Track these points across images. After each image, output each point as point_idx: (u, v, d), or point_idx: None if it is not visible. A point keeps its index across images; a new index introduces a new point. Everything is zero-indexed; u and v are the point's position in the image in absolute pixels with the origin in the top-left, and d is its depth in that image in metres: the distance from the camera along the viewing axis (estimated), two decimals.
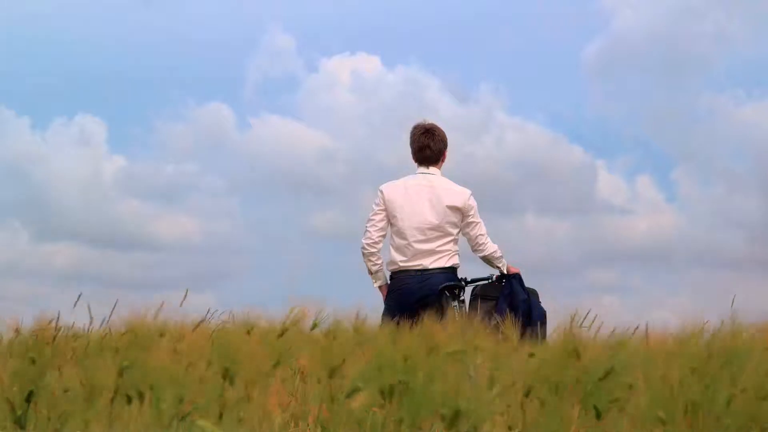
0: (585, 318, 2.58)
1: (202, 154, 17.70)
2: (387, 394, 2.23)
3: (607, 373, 2.03)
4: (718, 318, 2.63)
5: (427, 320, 2.66)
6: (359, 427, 2.21)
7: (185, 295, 4.91)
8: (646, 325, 2.86)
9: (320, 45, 18.57)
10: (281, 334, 2.86)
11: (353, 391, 2.26)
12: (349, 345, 2.96)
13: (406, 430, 2.16)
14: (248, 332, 2.72)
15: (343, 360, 2.78)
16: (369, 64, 16.89)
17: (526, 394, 2.20)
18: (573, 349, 2.13)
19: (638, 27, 17.13)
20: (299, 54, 16.93)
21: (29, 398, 2.29)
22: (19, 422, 2.28)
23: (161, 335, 2.67)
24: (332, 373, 2.71)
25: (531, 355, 2.68)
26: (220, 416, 2.24)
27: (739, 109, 16.31)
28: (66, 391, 2.30)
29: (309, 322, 3.25)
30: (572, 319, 2.37)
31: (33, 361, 2.28)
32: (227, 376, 2.42)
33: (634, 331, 3.12)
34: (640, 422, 2.06)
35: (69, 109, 16.64)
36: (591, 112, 17.09)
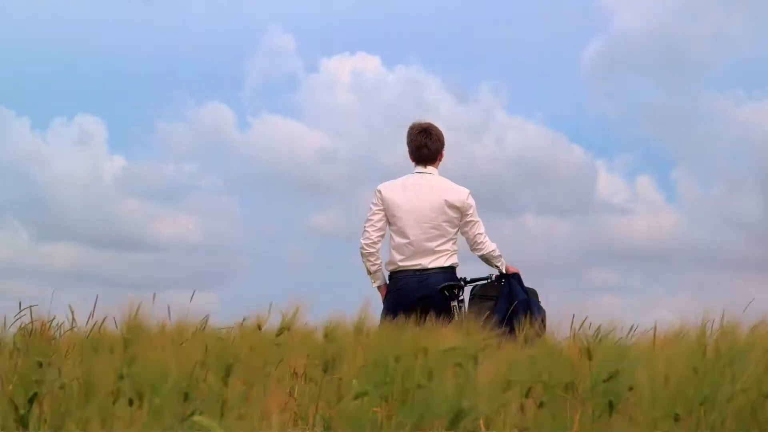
0: (584, 320, 2.59)
1: (202, 154, 17.70)
2: (385, 393, 2.24)
3: (611, 376, 2.04)
4: (718, 318, 2.63)
5: (427, 320, 2.67)
6: (358, 426, 2.22)
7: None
8: (655, 327, 2.87)
9: (320, 45, 18.58)
10: (279, 334, 2.87)
11: (352, 392, 2.27)
12: (345, 345, 2.97)
13: (404, 429, 2.17)
14: (243, 331, 2.73)
15: (341, 360, 2.79)
16: (369, 64, 16.90)
17: (526, 395, 2.21)
18: (582, 350, 2.15)
19: (638, 27, 17.14)
20: (299, 54, 16.94)
21: (32, 398, 2.30)
22: (22, 422, 2.29)
23: (160, 335, 2.68)
24: (329, 373, 2.72)
25: (531, 356, 2.69)
26: (221, 416, 2.25)
27: (739, 109, 16.32)
28: (65, 389, 2.31)
29: (307, 322, 3.26)
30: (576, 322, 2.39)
31: (36, 361, 2.29)
32: (226, 376, 2.43)
33: (633, 331, 3.13)
34: (641, 422, 2.07)
35: (69, 109, 16.64)
36: (591, 112, 17.11)
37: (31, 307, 3.32)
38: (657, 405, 2.06)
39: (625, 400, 2.12)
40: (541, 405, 2.15)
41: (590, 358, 2.13)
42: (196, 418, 1.86)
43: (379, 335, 2.84)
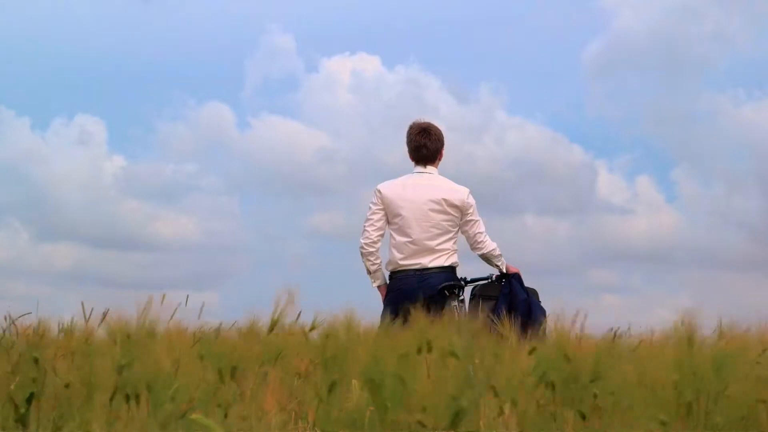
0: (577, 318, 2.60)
1: (202, 154, 17.73)
2: (381, 392, 2.25)
3: (596, 377, 2.05)
4: (718, 318, 2.65)
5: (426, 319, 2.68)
6: (354, 426, 2.23)
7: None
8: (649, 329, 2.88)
9: (320, 45, 18.60)
10: (270, 331, 2.88)
11: (348, 391, 2.29)
12: (343, 344, 2.98)
13: (400, 429, 2.18)
14: (244, 332, 2.75)
15: (337, 359, 2.80)
16: (369, 64, 16.93)
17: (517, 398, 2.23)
18: (565, 352, 2.16)
19: (638, 27, 17.15)
20: (299, 54, 16.97)
21: (30, 398, 2.31)
22: (22, 421, 2.31)
23: (157, 335, 2.69)
24: (326, 372, 2.73)
25: (531, 352, 2.70)
26: (225, 416, 2.26)
27: (739, 109, 16.34)
28: (67, 388, 2.33)
29: (303, 322, 3.27)
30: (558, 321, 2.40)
31: (34, 361, 2.30)
32: (223, 375, 2.44)
33: (628, 331, 3.14)
34: (633, 423, 2.08)
35: (69, 109, 16.68)
36: (591, 112, 17.13)
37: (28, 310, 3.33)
38: (648, 405, 2.07)
39: (615, 402, 2.13)
40: (535, 406, 2.17)
41: (582, 360, 2.14)
42: (195, 416, 1.87)
43: (376, 335, 2.85)
